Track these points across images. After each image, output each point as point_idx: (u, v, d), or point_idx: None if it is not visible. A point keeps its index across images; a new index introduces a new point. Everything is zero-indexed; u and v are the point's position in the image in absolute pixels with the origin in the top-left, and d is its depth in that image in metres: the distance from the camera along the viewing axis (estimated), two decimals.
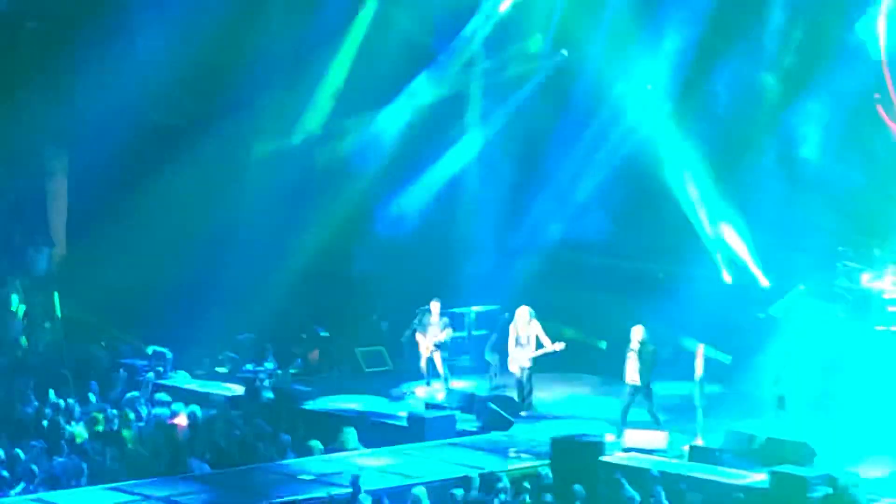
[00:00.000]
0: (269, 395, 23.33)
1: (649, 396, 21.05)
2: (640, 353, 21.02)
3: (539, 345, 22.90)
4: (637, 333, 21.14)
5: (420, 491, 16.50)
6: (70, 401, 21.50)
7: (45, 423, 20.32)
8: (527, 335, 23.08)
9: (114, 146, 26.12)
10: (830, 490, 17.06)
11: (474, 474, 17.63)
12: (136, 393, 22.16)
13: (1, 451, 18.37)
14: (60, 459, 18.30)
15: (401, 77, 28.46)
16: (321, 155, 28.13)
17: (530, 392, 23.29)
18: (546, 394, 23.82)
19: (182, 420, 20.34)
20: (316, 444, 19.97)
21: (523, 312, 23.22)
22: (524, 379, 23.24)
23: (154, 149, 26.39)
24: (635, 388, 21.05)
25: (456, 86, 29.03)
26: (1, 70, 26.22)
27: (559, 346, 22.88)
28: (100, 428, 19.91)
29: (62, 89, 26.04)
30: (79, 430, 19.77)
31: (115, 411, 20.84)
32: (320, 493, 16.87)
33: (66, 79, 26.02)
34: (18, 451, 18.28)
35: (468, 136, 29.13)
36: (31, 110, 26.15)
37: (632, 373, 21.08)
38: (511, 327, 23.33)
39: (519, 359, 23.14)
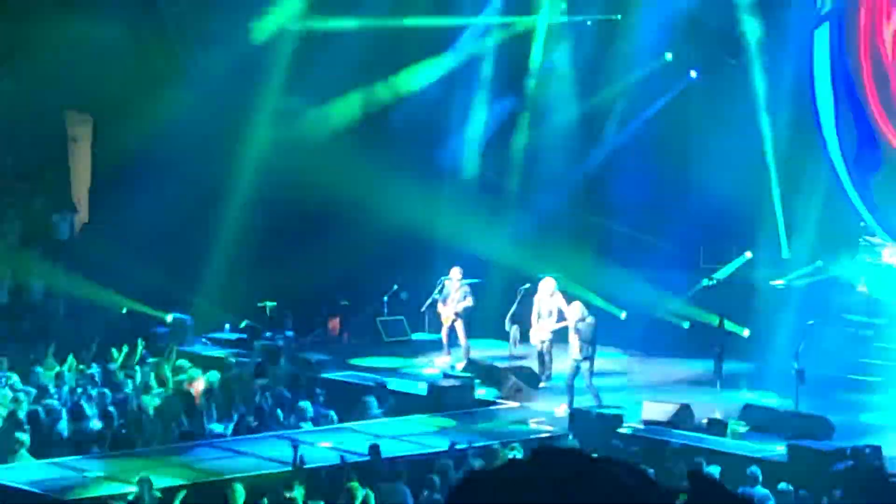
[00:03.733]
0: (289, 363, 23.38)
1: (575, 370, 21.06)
2: (578, 329, 20.98)
3: (561, 317, 22.72)
4: (574, 310, 21.14)
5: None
6: (93, 366, 21.64)
7: (66, 388, 20.44)
8: (549, 308, 22.94)
9: (139, 110, 26.16)
10: (851, 462, 17.06)
11: (496, 445, 17.70)
12: (155, 359, 22.27)
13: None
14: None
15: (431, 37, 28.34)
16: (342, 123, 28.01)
17: (550, 363, 23.25)
18: (565, 365, 23.78)
19: (201, 386, 20.42)
20: (334, 412, 20.05)
21: (547, 284, 23.08)
22: (545, 351, 23.19)
23: (180, 114, 26.38)
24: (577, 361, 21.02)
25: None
26: (24, 34, 26.22)
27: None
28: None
29: (86, 53, 26.03)
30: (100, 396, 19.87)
31: (134, 377, 20.98)
32: (336, 459, 16.93)
33: (90, 42, 26.00)
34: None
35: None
36: (54, 75, 26.16)
37: (573, 347, 21.06)
38: (535, 299, 23.23)
39: (540, 331, 23.08)
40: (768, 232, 26.01)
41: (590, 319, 21.04)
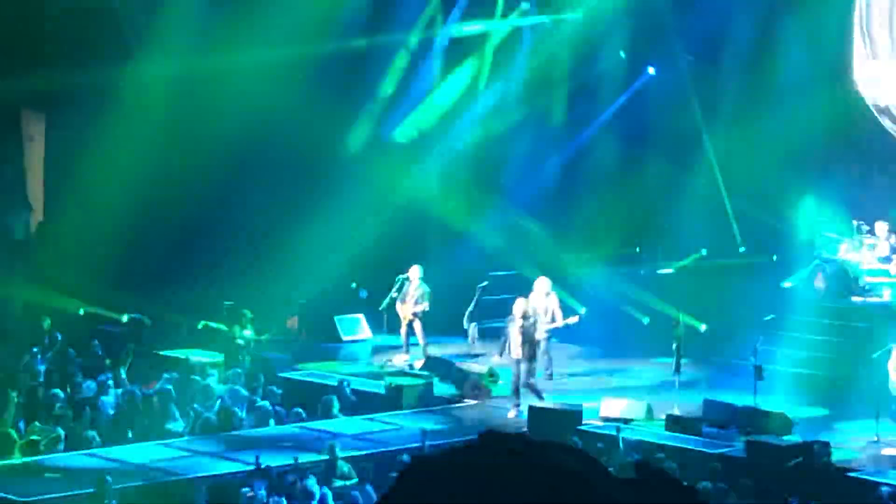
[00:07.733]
0: (248, 362, 23.29)
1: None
2: (523, 329, 20.91)
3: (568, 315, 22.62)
4: (519, 308, 21.06)
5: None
6: (50, 368, 21.50)
7: (23, 389, 20.29)
8: (544, 307, 22.69)
9: (91, 109, 25.96)
10: (802, 459, 17.15)
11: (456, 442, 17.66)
12: (112, 360, 22.13)
13: None
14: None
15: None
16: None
17: (550, 363, 23.01)
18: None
19: (160, 386, 20.30)
20: (295, 411, 19.98)
21: (542, 284, 22.68)
22: (542, 350, 22.81)
23: (132, 111, 26.23)
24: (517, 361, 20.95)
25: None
26: None
27: (572, 319, 22.63)
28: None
29: (39, 52, 25.85)
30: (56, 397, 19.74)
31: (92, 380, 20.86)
32: (290, 459, 16.87)
33: (43, 41, 25.84)
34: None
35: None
36: (7, 74, 25.97)
37: (514, 346, 21.00)
38: (529, 298, 22.85)
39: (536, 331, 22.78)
40: (723, 228, 26.17)
41: (534, 319, 20.97)
